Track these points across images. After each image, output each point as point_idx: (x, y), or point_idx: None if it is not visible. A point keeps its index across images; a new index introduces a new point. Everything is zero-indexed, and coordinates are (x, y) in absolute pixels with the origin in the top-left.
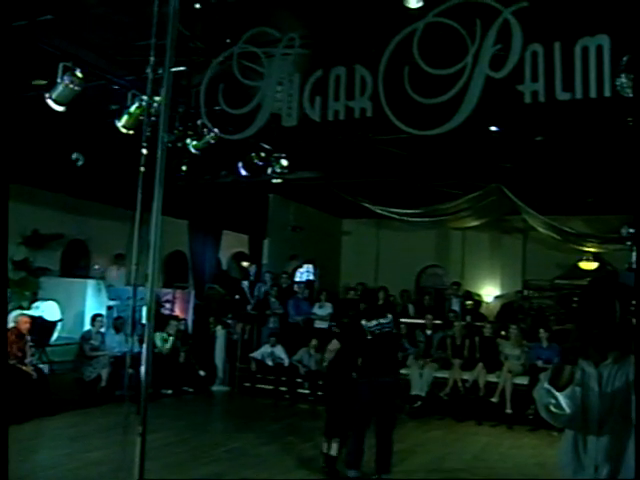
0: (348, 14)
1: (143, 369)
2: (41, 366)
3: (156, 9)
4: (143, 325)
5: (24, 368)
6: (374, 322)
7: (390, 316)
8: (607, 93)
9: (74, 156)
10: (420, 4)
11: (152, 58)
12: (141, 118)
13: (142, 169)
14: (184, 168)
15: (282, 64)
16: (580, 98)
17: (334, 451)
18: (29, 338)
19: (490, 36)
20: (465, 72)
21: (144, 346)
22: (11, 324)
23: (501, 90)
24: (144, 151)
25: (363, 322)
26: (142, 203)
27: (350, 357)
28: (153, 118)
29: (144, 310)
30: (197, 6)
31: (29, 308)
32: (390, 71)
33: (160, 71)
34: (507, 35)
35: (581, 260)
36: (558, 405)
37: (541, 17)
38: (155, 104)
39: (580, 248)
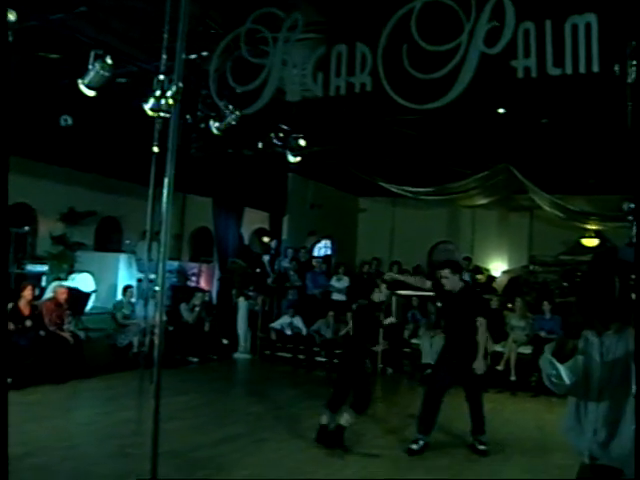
0: None
1: (157, 338)
2: (78, 332)
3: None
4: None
5: (62, 334)
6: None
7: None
8: (595, 69)
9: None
10: None
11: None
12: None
13: (155, 149)
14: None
15: (287, 44)
16: (570, 74)
17: None
18: (66, 307)
19: (484, 14)
20: (461, 48)
21: (157, 315)
22: (50, 294)
23: (499, 69)
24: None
25: None
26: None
27: None
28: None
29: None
30: None
31: (66, 279)
32: (389, 48)
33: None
34: (501, 13)
35: (583, 237)
36: (559, 376)
37: None
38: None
39: (583, 225)
